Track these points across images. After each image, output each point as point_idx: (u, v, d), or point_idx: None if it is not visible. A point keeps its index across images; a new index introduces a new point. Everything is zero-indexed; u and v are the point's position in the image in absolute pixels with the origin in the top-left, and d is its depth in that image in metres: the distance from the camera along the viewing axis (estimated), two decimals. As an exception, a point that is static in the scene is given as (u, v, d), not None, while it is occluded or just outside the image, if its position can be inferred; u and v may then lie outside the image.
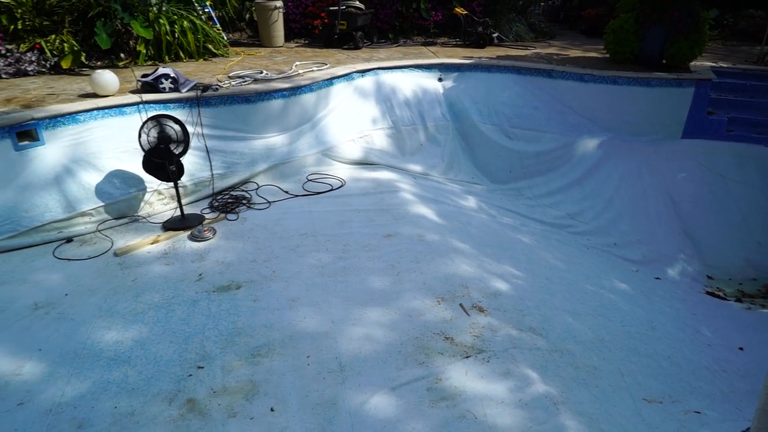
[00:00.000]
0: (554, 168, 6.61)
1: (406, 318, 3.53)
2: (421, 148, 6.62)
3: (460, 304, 3.72)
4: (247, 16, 8.80)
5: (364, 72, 6.51)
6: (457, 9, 8.37)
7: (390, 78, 6.72)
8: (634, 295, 4.80)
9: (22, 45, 5.77)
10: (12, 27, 5.71)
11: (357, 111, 6.36)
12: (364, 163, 6.10)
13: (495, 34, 8.40)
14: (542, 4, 11.94)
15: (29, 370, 2.99)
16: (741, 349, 4.33)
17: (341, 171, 5.86)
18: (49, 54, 5.81)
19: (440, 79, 7.00)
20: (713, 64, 7.22)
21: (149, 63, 6.37)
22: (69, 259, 4.10)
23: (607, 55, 7.47)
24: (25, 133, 4.31)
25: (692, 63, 7.07)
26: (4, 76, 5.58)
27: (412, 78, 6.87)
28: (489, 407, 2.85)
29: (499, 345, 3.36)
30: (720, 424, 3.19)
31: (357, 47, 7.78)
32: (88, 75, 5.15)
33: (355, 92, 6.42)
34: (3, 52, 5.65)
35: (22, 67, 5.68)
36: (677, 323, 4.53)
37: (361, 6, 8.02)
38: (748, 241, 6.12)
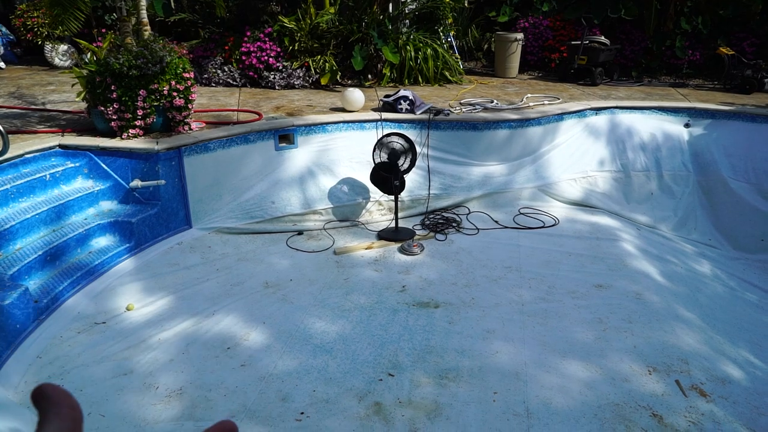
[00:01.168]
0: (827, 245, 5.37)
1: (607, 380, 3.20)
2: (651, 198, 5.99)
3: (677, 381, 3.23)
4: (485, 46, 9.06)
5: (598, 110, 6.16)
6: (722, 49, 7.41)
7: (627, 118, 6.24)
8: None
9: (294, 63, 6.81)
10: (291, 47, 6.79)
11: (584, 150, 6.04)
12: (582, 205, 5.76)
13: (767, 79, 7.21)
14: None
15: (254, 338, 3.47)
16: None
17: (556, 209, 5.61)
18: (313, 71, 6.76)
19: (687, 125, 6.26)
20: None
21: (391, 85, 6.97)
22: (298, 250, 4.67)
23: None
24: (285, 137, 5.06)
25: None
26: (277, 87, 6.66)
27: (653, 121, 6.27)
28: None
29: (722, 442, 2.82)
30: None
31: (594, 83, 7.41)
32: (340, 92, 5.84)
33: (584, 130, 6.11)
34: (280, 67, 6.75)
35: (291, 81, 6.71)
36: None
37: (606, 41, 7.63)
38: None
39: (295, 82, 6.71)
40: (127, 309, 3.66)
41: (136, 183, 4.37)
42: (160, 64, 4.36)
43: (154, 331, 3.49)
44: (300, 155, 5.12)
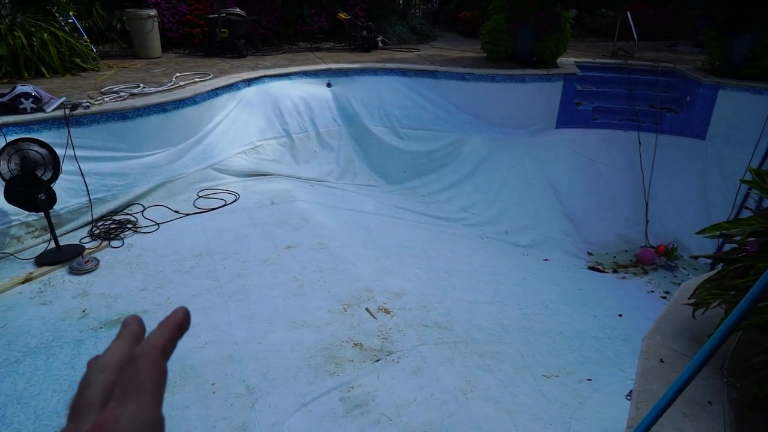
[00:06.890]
0: (445, 165, 6.87)
1: (313, 330, 3.49)
2: (315, 155, 6.59)
3: (366, 308, 3.74)
4: (118, 26, 8.23)
5: (250, 81, 6.34)
6: (340, 14, 8.42)
7: (278, 86, 6.61)
8: (526, 278, 5.12)
9: None
10: None
11: (245, 122, 6.18)
12: (257, 175, 5.95)
13: (379, 38, 8.55)
14: (422, 7, 12.37)
15: None
16: (620, 315, 4.78)
17: (234, 185, 5.66)
18: None
19: (329, 85, 7.00)
20: (577, 60, 7.88)
21: (5, 81, 5.75)
22: None
23: (485, 55, 7.89)
24: None
25: (559, 59, 7.66)
26: None
27: (300, 85, 6.80)
28: (402, 408, 2.90)
29: (407, 344, 3.42)
30: (609, 387, 3.49)
31: (241, 55, 7.57)
32: (-71, 99, 4.53)
33: (242, 103, 6.23)
34: None
35: None
36: (566, 299, 4.89)
37: (242, 13, 7.81)
38: (618, 217, 6.78)
39: None
40: None
41: None
42: None
43: None
44: None
